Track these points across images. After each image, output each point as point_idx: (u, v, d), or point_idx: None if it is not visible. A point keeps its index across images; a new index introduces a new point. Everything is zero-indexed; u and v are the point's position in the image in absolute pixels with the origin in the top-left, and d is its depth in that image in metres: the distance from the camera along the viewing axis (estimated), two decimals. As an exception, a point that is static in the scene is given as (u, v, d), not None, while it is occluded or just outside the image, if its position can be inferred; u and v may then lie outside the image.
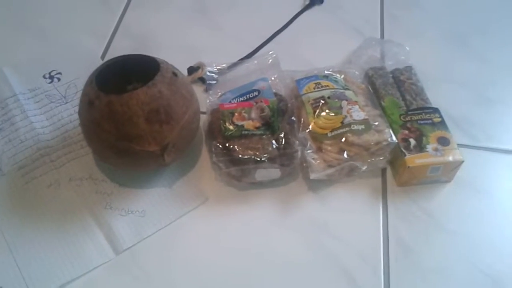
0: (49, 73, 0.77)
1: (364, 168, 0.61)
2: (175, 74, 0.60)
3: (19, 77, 0.77)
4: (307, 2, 0.88)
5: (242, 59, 0.78)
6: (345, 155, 0.60)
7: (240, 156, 0.60)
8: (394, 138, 0.62)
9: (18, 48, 0.81)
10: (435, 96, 0.69)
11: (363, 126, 0.62)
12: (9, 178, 0.65)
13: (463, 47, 0.81)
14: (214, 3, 0.88)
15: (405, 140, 0.62)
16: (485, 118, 0.72)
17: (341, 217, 0.62)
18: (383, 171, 0.66)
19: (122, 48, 0.81)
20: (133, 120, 0.55)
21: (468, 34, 0.83)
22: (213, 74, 0.75)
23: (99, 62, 0.73)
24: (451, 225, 0.61)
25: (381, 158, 0.62)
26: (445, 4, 0.88)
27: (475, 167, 0.66)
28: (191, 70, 0.75)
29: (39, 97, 0.74)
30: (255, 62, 0.76)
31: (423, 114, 0.65)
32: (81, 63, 0.78)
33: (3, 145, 0.69)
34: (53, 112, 0.73)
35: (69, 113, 0.72)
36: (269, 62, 0.75)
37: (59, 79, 0.76)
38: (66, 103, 0.74)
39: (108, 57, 0.79)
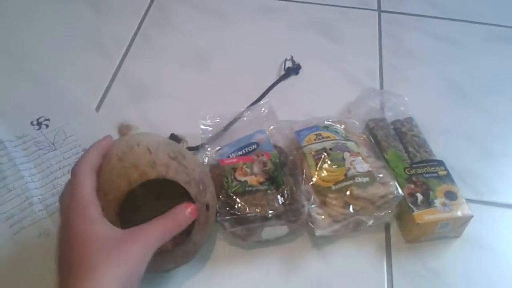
0: (37, 120, 0.75)
1: (370, 222, 0.59)
2: (207, 207, 0.55)
3: (7, 123, 0.74)
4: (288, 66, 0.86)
5: (239, 111, 0.75)
6: (350, 209, 0.58)
7: (246, 214, 0.57)
8: (400, 190, 0.60)
9: (6, 93, 0.79)
10: (437, 148, 0.68)
11: (367, 179, 0.60)
12: (-4, 229, 0.62)
13: (463, 99, 0.81)
14: (212, 53, 0.87)
15: (412, 195, 0.61)
16: (488, 172, 0.70)
17: (345, 277, 0.59)
18: (387, 226, 0.64)
19: (119, 97, 0.79)
20: None
21: (468, 86, 0.83)
22: (208, 127, 0.72)
23: (90, 109, 0.71)
24: (458, 285, 0.59)
25: (388, 212, 0.60)
26: (443, 56, 0.88)
27: (481, 222, 0.64)
28: (174, 137, 0.71)
29: (27, 144, 0.72)
30: (250, 112, 0.74)
31: (428, 167, 0.64)
32: (71, 109, 0.76)
33: (-10, 195, 0.66)
34: (42, 159, 0.70)
35: (57, 160, 0.70)
36: (265, 113, 0.73)
37: (47, 126, 0.74)
38: (55, 149, 0.71)
39: (105, 105, 0.77)
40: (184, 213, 0.50)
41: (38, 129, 0.74)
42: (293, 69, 0.83)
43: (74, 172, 0.49)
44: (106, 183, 0.50)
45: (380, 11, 0.95)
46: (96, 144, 0.52)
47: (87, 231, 0.45)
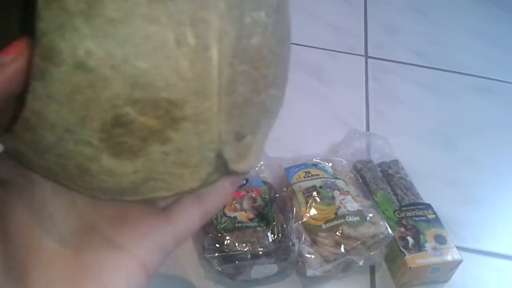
0: None
1: (361, 263, 0.58)
2: None
3: None
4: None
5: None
6: (342, 249, 0.58)
7: (235, 251, 0.55)
8: (390, 231, 0.60)
9: None
10: (420, 193, 0.68)
11: (358, 218, 0.60)
12: None
13: (447, 145, 0.83)
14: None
15: (403, 239, 0.60)
16: (472, 219, 0.71)
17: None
18: (372, 268, 0.63)
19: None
20: None
21: (451, 133, 0.85)
22: None
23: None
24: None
25: (378, 252, 0.59)
26: (427, 103, 0.90)
27: (464, 269, 0.63)
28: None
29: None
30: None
31: (417, 210, 0.64)
32: None
33: None
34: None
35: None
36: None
37: None
38: None
39: None
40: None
41: None
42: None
43: None
44: None
45: (367, 56, 0.98)
46: None
47: None
